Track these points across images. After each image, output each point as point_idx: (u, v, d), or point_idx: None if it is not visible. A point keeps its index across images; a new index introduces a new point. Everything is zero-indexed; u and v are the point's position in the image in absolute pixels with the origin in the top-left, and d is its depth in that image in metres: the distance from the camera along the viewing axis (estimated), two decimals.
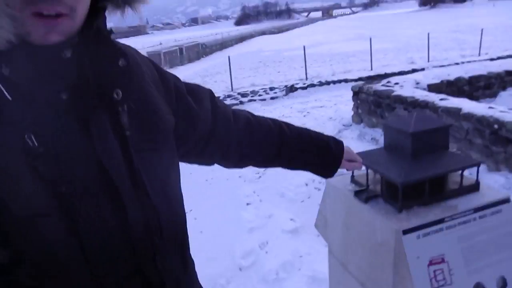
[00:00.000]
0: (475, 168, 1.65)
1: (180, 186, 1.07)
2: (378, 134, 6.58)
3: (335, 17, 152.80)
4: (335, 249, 1.99)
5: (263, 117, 1.37)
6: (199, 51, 35.94)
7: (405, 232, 1.44)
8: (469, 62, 11.97)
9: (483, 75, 7.73)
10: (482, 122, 4.76)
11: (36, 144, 0.72)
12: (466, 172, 1.65)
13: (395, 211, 1.56)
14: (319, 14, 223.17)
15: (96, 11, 0.84)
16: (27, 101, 0.73)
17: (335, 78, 13.18)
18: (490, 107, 5.03)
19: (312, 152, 1.44)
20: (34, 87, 0.74)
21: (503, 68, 7.95)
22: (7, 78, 0.72)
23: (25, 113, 0.73)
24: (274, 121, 1.37)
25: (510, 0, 63.26)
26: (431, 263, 1.46)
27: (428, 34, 16.85)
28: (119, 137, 0.85)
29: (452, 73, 7.73)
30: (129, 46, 0.97)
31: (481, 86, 7.64)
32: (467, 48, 18.55)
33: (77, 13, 0.77)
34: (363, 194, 1.71)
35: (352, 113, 7.87)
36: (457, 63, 12.56)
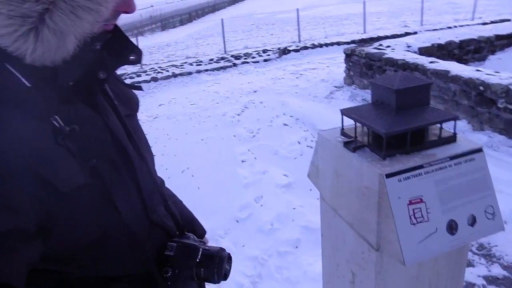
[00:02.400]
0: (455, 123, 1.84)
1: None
2: (369, 96, 6.73)
3: None
4: (326, 195, 2.20)
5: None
6: (191, 14, 35.47)
7: (388, 176, 1.63)
8: (461, 26, 12.02)
9: (473, 39, 7.86)
10: (468, 84, 4.95)
11: (62, 124, 0.77)
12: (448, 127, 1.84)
13: (379, 159, 1.74)
14: None
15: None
16: (46, 85, 0.77)
17: (328, 41, 13.18)
18: (477, 70, 5.21)
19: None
20: (61, 72, 0.79)
21: (494, 32, 8.07)
22: (27, 67, 0.74)
23: (45, 98, 0.76)
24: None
25: None
26: (410, 203, 1.66)
27: None
28: (111, 107, 0.96)
29: (443, 37, 7.86)
30: None
31: (471, 50, 7.78)
32: (461, 12, 18.44)
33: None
34: (351, 144, 1.90)
35: (344, 75, 8.02)
36: (449, 27, 12.60)
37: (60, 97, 0.78)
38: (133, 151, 0.95)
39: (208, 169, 4.95)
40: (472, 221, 1.76)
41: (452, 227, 1.69)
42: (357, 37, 13.76)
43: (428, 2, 16.92)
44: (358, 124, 1.97)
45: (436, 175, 1.72)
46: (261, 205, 4.01)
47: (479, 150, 1.83)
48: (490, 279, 2.85)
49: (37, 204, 0.70)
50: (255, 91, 8.29)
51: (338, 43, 12.75)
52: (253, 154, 5.26)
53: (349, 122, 1.92)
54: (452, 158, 1.75)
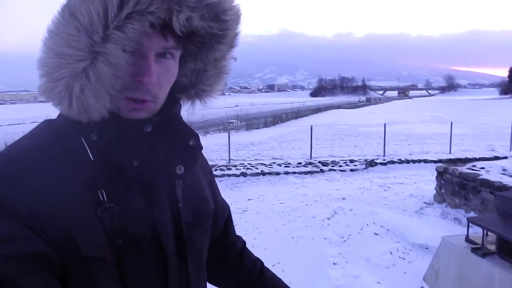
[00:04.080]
0: None
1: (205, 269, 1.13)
2: (461, 215, 6.69)
3: (410, 98, 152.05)
4: None
5: (250, 252, 1.38)
6: (275, 118, 37.10)
7: None
8: None
9: None
10: None
11: (106, 200, 0.82)
12: None
13: (511, 266, 1.87)
14: (394, 93, 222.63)
15: (173, 100, 0.97)
16: (105, 163, 0.84)
17: (414, 158, 13.32)
18: None
19: None
20: (113, 152, 0.85)
21: None
22: (94, 142, 0.85)
23: (102, 172, 0.83)
24: (258, 259, 1.37)
25: None
26: None
27: None
28: (172, 207, 0.95)
29: None
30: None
31: None
32: None
33: (159, 99, 0.88)
34: (479, 250, 2.04)
35: (434, 192, 8.03)
36: None
37: (115, 175, 0.84)
38: (174, 258, 0.93)
39: (299, 267, 5.06)
40: None
41: None
42: (443, 156, 13.78)
43: None
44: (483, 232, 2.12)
45: None
46: None
47: None
48: None
49: (57, 256, 0.75)
50: (344, 198, 8.47)
51: (425, 161, 12.83)
52: (344, 258, 5.34)
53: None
54: None
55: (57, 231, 0.75)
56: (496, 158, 12.10)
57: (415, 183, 9.92)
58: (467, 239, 2.12)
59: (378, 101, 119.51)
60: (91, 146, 0.84)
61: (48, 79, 0.79)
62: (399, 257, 5.28)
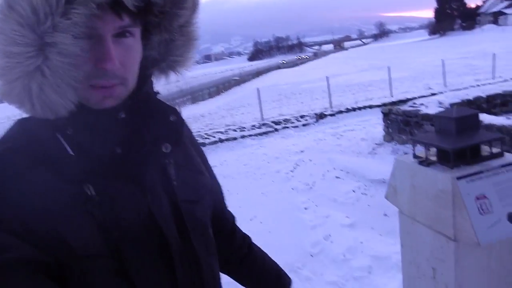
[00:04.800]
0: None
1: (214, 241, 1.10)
2: (409, 150, 7.37)
3: (346, 49, 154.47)
4: (404, 208, 2.81)
5: (239, 228, 1.40)
6: (218, 87, 37.22)
7: (458, 178, 2.27)
8: (484, 85, 12.72)
9: (499, 93, 8.59)
10: (502, 130, 5.57)
11: (94, 194, 0.78)
12: None
13: (448, 169, 2.39)
14: (330, 47, 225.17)
15: (144, 77, 0.93)
16: (87, 156, 0.81)
17: (360, 105, 14.00)
18: (507, 118, 5.86)
19: (269, 277, 1.37)
20: (93, 144, 0.83)
21: None
22: (70, 137, 0.81)
23: (85, 166, 0.80)
24: (246, 236, 1.40)
25: None
26: (477, 198, 2.27)
27: (443, 60, 17.74)
28: (166, 187, 0.92)
29: (470, 93, 8.61)
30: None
31: (497, 104, 8.48)
32: (481, 73, 19.22)
33: (128, 81, 0.85)
34: (424, 162, 2.55)
35: (383, 133, 8.73)
36: (473, 86, 13.34)
37: (99, 166, 0.82)
38: (177, 240, 0.90)
39: (274, 217, 5.53)
40: None
41: (511, 218, 2.29)
42: (386, 100, 14.42)
43: (447, 65, 17.80)
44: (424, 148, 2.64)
45: (493, 178, 2.35)
46: (331, 242, 4.58)
47: None
48: None
49: (50, 256, 0.74)
50: (302, 151, 8.98)
51: (370, 106, 13.53)
52: (313, 202, 5.87)
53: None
54: (503, 166, 2.39)
55: (46, 234, 0.74)
56: (433, 94, 12.94)
57: (364, 128, 10.60)
58: (414, 156, 2.59)
59: (324, 53, 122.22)
60: (69, 141, 0.81)
61: (3, 82, 0.75)
62: (362, 193, 5.89)
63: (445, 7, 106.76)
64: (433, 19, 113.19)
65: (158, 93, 0.98)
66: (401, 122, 7.97)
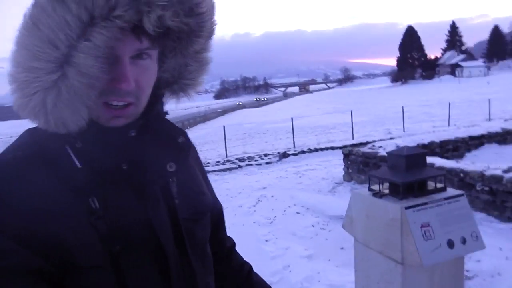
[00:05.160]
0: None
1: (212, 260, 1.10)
2: (353, 191, 7.76)
3: (311, 92, 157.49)
4: (359, 236, 3.06)
5: (239, 254, 1.40)
6: (183, 123, 37.39)
7: (406, 208, 2.56)
8: (439, 131, 13.40)
9: (451, 139, 9.22)
10: (451, 173, 6.00)
11: (98, 207, 0.79)
12: None
13: (398, 200, 2.67)
14: (296, 89, 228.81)
15: (156, 97, 0.95)
16: (94, 169, 0.82)
17: (322, 146, 14.44)
18: (456, 161, 6.31)
19: None
20: (101, 158, 0.84)
21: (467, 134, 9.49)
22: (79, 150, 0.83)
23: (91, 180, 0.81)
24: (247, 263, 1.39)
25: (473, 77, 68.18)
26: (422, 226, 2.55)
27: (403, 107, 18.63)
28: (168, 204, 0.92)
29: (426, 138, 9.19)
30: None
31: (450, 149, 9.07)
32: (437, 120, 20.28)
33: (141, 101, 0.86)
34: (378, 194, 2.84)
35: (343, 173, 9.11)
36: (429, 132, 14.04)
37: (105, 181, 0.83)
38: (176, 257, 0.90)
39: (237, 248, 5.70)
40: (463, 241, 2.65)
41: (450, 244, 2.57)
42: (348, 142, 14.86)
43: (406, 112, 18.68)
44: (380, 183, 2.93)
45: (436, 209, 2.64)
46: (290, 271, 4.76)
47: (462, 195, 2.77)
48: None
49: (50, 264, 0.75)
50: (264, 187, 9.22)
51: (332, 148, 14.00)
52: (274, 235, 6.07)
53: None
54: (445, 199, 2.69)
55: (49, 242, 0.74)
56: (392, 138, 13.52)
57: (325, 168, 10.98)
58: (369, 189, 2.85)
59: (292, 95, 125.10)
60: (77, 154, 0.83)
61: (20, 95, 0.77)
62: (320, 228, 6.15)
63: (407, 57, 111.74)
64: (396, 67, 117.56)
65: (167, 113, 1.01)
66: (360, 163, 8.38)
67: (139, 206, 0.86)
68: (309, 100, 69.51)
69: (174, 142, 0.96)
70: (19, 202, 0.75)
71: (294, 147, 15.27)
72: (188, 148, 1.00)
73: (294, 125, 16.29)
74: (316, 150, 14.02)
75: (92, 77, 0.74)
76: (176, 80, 0.98)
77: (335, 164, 10.92)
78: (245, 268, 1.33)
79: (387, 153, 3.09)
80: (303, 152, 13.82)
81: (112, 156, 0.85)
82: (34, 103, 0.75)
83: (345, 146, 13.63)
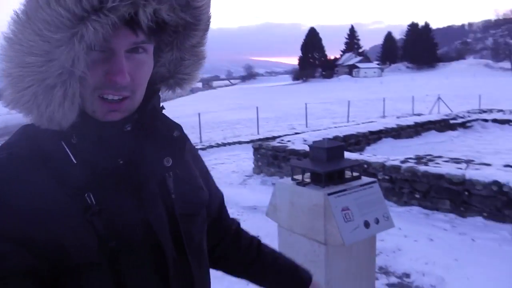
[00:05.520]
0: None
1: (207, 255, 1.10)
2: (277, 180, 8.06)
3: (215, 88, 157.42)
4: (283, 222, 3.28)
5: (245, 232, 1.38)
6: None
7: (329, 194, 2.82)
8: (340, 126, 14.26)
9: (353, 134, 9.94)
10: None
11: (94, 203, 0.78)
12: None
13: (321, 187, 2.93)
14: (199, 85, 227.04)
15: (152, 92, 0.93)
16: (89, 165, 0.81)
17: (229, 141, 14.67)
18: (360, 153, 6.84)
19: (284, 274, 1.31)
20: (97, 154, 0.82)
21: (368, 129, 10.30)
22: (74, 145, 0.81)
23: (87, 175, 0.79)
24: (254, 238, 1.37)
25: (368, 78, 72.78)
26: (343, 210, 2.82)
27: (306, 104, 19.46)
28: (165, 200, 0.91)
29: (330, 133, 9.82)
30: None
31: (352, 143, 9.75)
32: (337, 117, 21.47)
33: (136, 95, 0.84)
34: (301, 183, 3.08)
35: (252, 166, 9.40)
36: (331, 128, 14.87)
37: (101, 176, 0.81)
38: (172, 252, 0.89)
39: None
40: (376, 221, 2.97)
41: (366, 224, 2.88)
42: (254, 137, 15.19)
43: (309, 109, 19.46)
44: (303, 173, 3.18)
45: (354, 195, 2.94)
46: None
47: (375, 182, 3.11)
48: (390, 285, 4.08)
49: (47, 264, 0.74)
50: None
51: (239, 143, 14.29)
52: None
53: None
54: (361, 185, 3.00)
55: (44, 239, 0.73)
56: (297, 133, 14.08)
57: (234, 162, 11.23)
58: (293, 179, 3.09)
59: (196, 90, 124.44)
60: (73, 150, 0.81)
61: (14, 90, 0.75)
62: (236, 216, 6.35)
63: (308, 57, 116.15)
64: (297, 66, 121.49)
65: (163, 108, 0.98)
66: (270, 156, 8.71)
67: (136, 202, 0.85)
68: (213, 96, 69.59)
69: (170, 136, 0.95)
70: (14, 200, 0.74)
71: (201, 141, 15.34)
72: (184, 142, 0.98)
73: (197, 121, 16.29)
74: (224, 144, 14.21)
75: (84, 69, 0.74)
76: (172, 75, 0.97)
77: (244, 158, 11.23)
78: (254, 243, 1.32)
79: (309, 145, 3.35)
80: (211, 146, 13.94)
81: (108, 151, 0.84)
82: (28, 97, 0.74)
83: (252, 141, 13.99)
